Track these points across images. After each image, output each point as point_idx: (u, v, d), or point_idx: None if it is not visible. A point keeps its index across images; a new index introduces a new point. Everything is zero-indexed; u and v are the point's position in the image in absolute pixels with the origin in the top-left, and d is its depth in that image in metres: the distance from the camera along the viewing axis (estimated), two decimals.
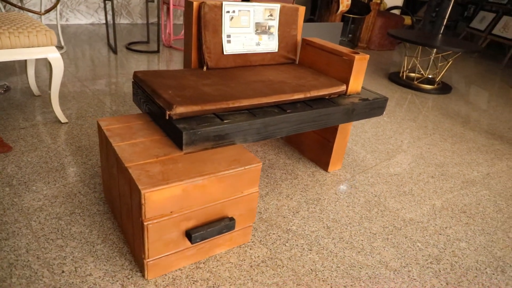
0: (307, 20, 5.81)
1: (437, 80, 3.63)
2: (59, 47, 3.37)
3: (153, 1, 3.84)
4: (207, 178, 1.09)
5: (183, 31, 4.34)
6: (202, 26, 1.59)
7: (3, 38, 1.70)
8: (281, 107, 1.46)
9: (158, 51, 3.56)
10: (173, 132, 1.22)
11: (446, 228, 1.57)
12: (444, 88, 3.60)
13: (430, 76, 3.79)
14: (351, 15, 4.64)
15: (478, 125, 2.82)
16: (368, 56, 1.68)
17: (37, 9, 3.99)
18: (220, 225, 1.16)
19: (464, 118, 2.94)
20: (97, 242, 1.26)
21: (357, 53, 1.68)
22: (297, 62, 1.93)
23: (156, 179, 1.04)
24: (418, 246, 1.44)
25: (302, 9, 1.88)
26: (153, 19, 4.76)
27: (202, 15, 1.57)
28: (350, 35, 5.57)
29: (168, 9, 3.88)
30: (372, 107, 1.71)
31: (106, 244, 1.26)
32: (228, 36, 1.66)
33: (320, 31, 2.90)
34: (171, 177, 1.06)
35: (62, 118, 2.04)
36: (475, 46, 3.41)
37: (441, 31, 4.08)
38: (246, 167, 1.17)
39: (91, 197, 1.48)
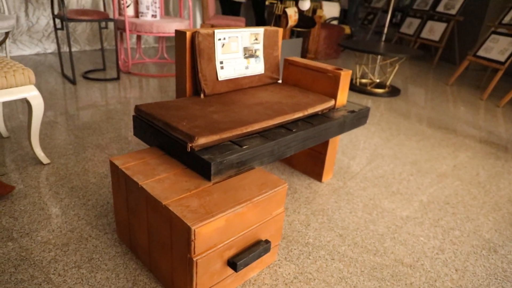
0: None
1: (387, 84, 3.94)
2: None
3: (107, 28, 3.74)
4: (245, 206, 1.13)
5: (137, 55, 4.27)
6: (197, 55, 1.62)
7: None
8: (285, 127, 1.53)
9: (118, 78, 3.47)
10: (198, 164, 1.24)
11: (438, 220, 1.74)
12: (393, 91, 3.92)
13: (378, 81, 4.10)
14: (298, 29, 4.87)
15: (431, 122, 3.12)
16: (350, 71, 1.82)
17: None
18: (259, 249, 1.20)
19: (418, 116, 3.23)
20: (128, 286, 1.23)
21: (341, 69, 1.81)
22: (280, 81, 2.02)
23: (201, 213, 1.05)
24: (421, 240, 1.58)
25: (280, 31, 1.98)
26: (98, 46, 4.61)
27: (197, 44, 1.61)
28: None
29: (121, 34, 3.80)
30: (359, 117, 1.85)
31: (138, 286, 1.24)
32: (221, 62, 1.71)
33: (283, 48, 3.04)
34: (213, 209, 1.08)
35: (44, 159, 1.93)
36: (416, 51, 3.76)
37: (383, 39, 4.44)
38: (275, 190, 1.22)
39: (105, 239, 1.43)
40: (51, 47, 4.31)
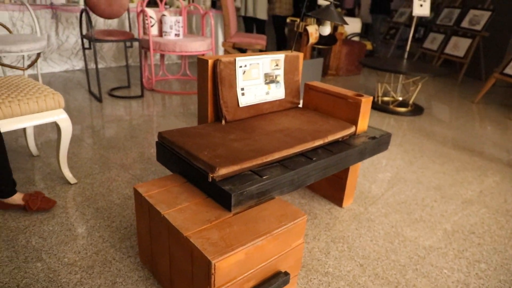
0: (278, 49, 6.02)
1: (410, 102, 3.89)
2: None
3: (132, 47, 3.86)
4: (264, 238, 1.14)
5: (161, 72, 4.38)
6: (218, 82, 1.65)
7: (13, 106, 1.67)
8: (305, 155, 1.54)
9: (142, 95, 3.57)
10: (218, 194, 1.26)
11: (463, 251, 1.69)
12: (417, 110, 3.87)
13: (400, 99, 4.06)
14: (319, 46, 4.89)
15: (456, 142, 3.05)
16: (371, 97, 1.82)
17: (17, 63, 3.88)
18: (278, 281, 1.20)
19: (442, 137, 3.17)
20: None
21: (361, 95, 1.81)
22: (300, 105, 2.03)
23: (221, 247, 1.07)
24: (445, 273, 1.54)
25: (301, 56, 2.01)
26: (123, 62, 4.76)
27: (218, 72, 1.64)
28: None
29: (145, 53, 3.91)
30: (380, 143, 1.83)
31: None
32: (242, 89, 1.74)
33: (303, 68, 3.05)
34: (233, 242, 1.09)
35: (71, 179, 2.00)
36: (440, 70, 3.71)
37: (405, 55, 4.40)
38: (295, 222, 1.23)
39: (128, 262, 1.47)
40: (79, 64, 4.47)
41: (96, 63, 3.20)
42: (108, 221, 1.71)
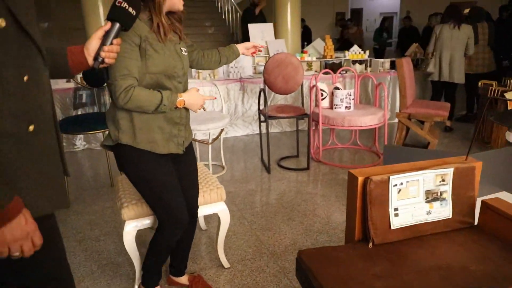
0: (462, 119, 5.27)
1: None
2: (221, 167, 3.76)
3: (303, 119, 4.04)
4: None
5: (330, 140, 4.42)
6: (367, 202, 1.52)
7: None
8: None
9: (308, 168, 3.65)
10: None
11: None
12: None
13: None
14: None
15: None
16: None
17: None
18: None
19: None
20: None
21: None
22: (475, 223, 1.67)
23: None
24: None
25: (478, 166, 1.66)
26: (300, 126, 5.02)
27: (368, 191, 1.51)
28: None
29: (316, 125, 4.03)
30: None
31: None
32: (396, 209, 1.55)
33: (492, 160, 2.50)
34: None
35: (225, 263, 2.16)
36: None
37: None
38: None
39: None
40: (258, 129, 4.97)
41: (267, 137, 3.47)
42: None
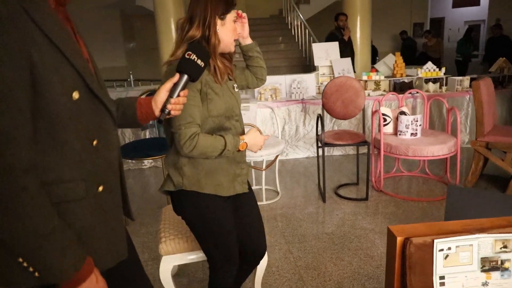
0: None
1: None
2: (275, 192, 3.70)
3: (365, 145, 3.82)
4: None
5: (395, 167, 4.10)
6: (406, 267, 1.34)
7: None
8: None
9: (366, 199, 3.42)
10: None
11: None
12: None
13: None
14: None
15: None
16: None
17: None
18: None
19: None
20: None
21: None
22: None
23: None
24: None
25: None
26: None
27: (408, 255, 1.34)
28: None
29: (379, 152, 3.77)
30: None
31: None
32: (441, 277, 1.34)
33: None
34: None
35: None
36: None
37: None
38: None
39: None
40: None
41: (323, 165, 3.33)
42: None
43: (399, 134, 3.52)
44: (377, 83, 5.18)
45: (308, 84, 5.01)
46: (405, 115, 3.60)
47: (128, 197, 1.14)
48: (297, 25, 8.39)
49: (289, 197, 3.60)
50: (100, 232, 0.96)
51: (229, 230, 1.59)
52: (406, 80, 5.02)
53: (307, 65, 7.74)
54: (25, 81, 0.77)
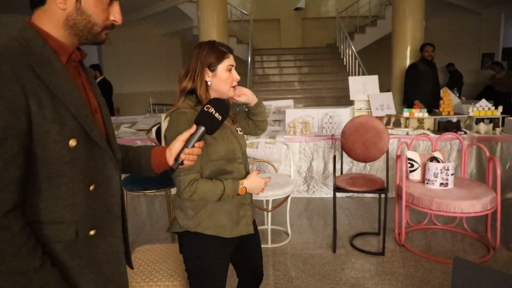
0: None
1: None
2: (285, 234, 3.46)
3: (381, 193, 3.44)
4: None
5: (427, 219, 3.63)
6: None
7: None
8: None
9: (382, 253, 3.04)
10: None
11: None
12: None
13: None
14: None
15: None
16: None
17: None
18: None
19: None
20: None
21: None
22: None
23: None
24: None
25: None
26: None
27: None
28: None
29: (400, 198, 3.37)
30: None
31: None
32: None
33: None
34: None
35: None
36: None
37: None
38: None
39: None
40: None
41: (334, 211, 3.04)
42: None
43: (427, 183, 3.11)
44: (420, 121, 4.73)
45: (342, 119, 4.73)
46: (437, 161, 3.19)
47: (129, 243, 1.16)
48: (350, 55, 8.12)
49: (299, 242, 3.33)
50: (89, 275, 0.98)
51: (219, 274, 1.62)
52: (453, 119, 4.52)
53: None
54: (19, 130, 0.85)
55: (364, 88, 4.85)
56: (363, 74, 7.20)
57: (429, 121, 4.70)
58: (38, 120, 0.87)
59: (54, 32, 0.94)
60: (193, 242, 1.57)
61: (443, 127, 4.45)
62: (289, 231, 3.45)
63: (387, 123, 4.76)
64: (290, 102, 5.91)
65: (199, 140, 1.21)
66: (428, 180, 3.10)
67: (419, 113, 4.68)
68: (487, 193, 2.89)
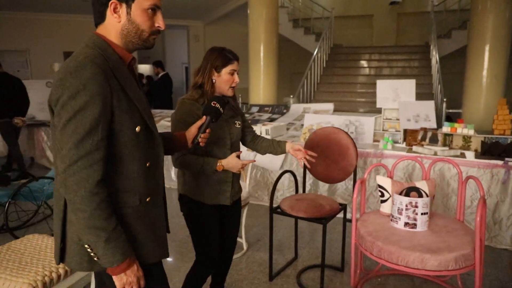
0: None
1: None
2: (240, 248, 3.13)
3: (320, 222, 2.80)
4: None
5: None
6: None
7: None
8: None
9: None
10: None
11: None
12: None
13: None
14: None
15: None
16: None
17: None
18: None
19: None
20: None
21: None
22: None
23: None
24: None
25: None
26: None
27: None
28: None
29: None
30: None
31: None
32: None
33: None
34: None
35: None
36: None
37: None
38: None
39: None
40: None
41: (271, 233, 2.62)
42: None
43: (391, 220, 2.43)
44: (465, 139, 3.73)
45: (365, 129, 4.09)
46: (418, 194, 2.46)
47: (167, 214, 1.45)
48: (436, 59, 6.92)
49: (246, 262, 2.99)
50: (146, 233, 1.26)
51: (213, 236, 1.99)
52: (506, 140, 3.43)
53: None
54: (107, 118, 1.13)
55: (395, 95, 4.05)
56: (440, 80, 6.08)
57: (477, 140, 3.67)
58: (118, 112, 1.14)
59: (116, 41, 1.21)
60: (186, 203, 1.98)
61: (486, 150, 3.42)
62: (245, 244, 3.14)
63: (423, 139, 3.90)
64: (330, 105, 5.38)
65: (207, 127, 1.62)
66: (392, 217, 2.42)
67: (464, 128, 3.70)
68: (464, 245, 2.10)
